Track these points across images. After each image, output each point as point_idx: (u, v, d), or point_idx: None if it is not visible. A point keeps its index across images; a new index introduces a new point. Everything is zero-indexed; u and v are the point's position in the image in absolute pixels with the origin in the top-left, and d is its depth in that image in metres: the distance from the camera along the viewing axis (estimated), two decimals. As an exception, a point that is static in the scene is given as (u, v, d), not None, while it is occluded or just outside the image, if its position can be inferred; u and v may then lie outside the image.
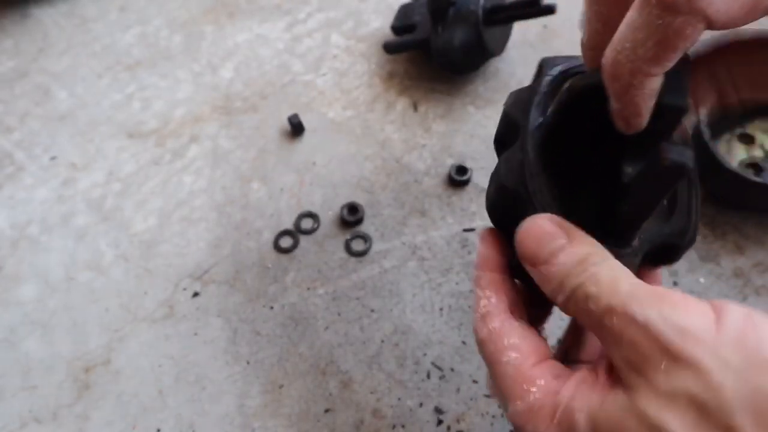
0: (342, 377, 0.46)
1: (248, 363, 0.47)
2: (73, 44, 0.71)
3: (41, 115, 0.65)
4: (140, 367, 0.48)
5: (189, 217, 0.56)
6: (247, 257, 0.53)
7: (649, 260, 0.29)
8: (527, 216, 0.26)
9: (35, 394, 0.47)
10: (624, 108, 0.23)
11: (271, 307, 0.50)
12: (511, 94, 0.29)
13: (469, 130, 0.59)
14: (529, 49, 0.66)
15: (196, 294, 0.51)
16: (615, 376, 0.23)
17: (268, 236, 0.54)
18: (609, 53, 0.23)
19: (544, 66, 0.29)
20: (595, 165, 0.28)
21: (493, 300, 0.28)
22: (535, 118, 0.27)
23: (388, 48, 0.63)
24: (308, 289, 0.51)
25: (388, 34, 0.67)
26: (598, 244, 0.25)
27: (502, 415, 0.43)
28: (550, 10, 0.57)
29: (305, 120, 0.61)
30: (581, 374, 0.25)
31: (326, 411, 0.45)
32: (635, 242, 0.27)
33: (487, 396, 0.44)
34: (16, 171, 0.61)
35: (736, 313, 0.21)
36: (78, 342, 0.49)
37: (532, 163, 0.27)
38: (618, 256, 0.25)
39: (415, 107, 0.62)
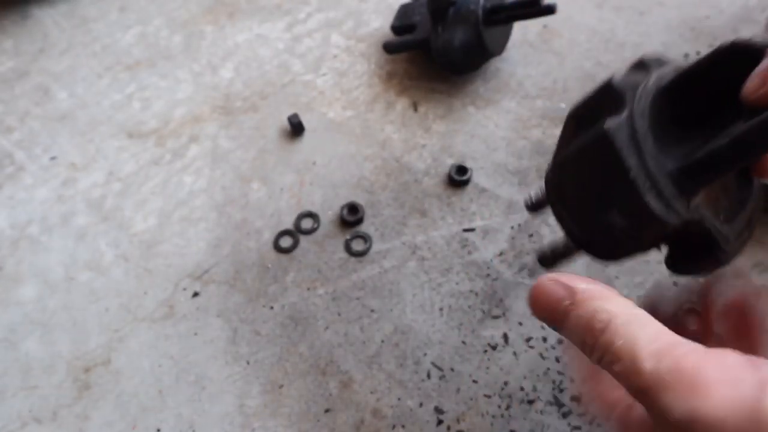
0: (342, 377, 0.46)
1: (248, 363, 0.47)
2: (73, 44, 0.71)
3: (41, 115, 0.65)
4: (140, 367, 0.48)
5: (189, 217, 0.56)
6: (247, 257, 0.53)
7: (684, 245, 0.28)
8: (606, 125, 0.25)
9: (35, 394, 0.47)
10: None
11: (271, 307, 0.50)
12: (619, 70, 0.28)
13: (469, 130, 0.59)
14: (529, 49, 0.66)
15: (196, 294, 0.51)
16: None
17: (268, 236, 0.54)
18: None
19: (644, 59, 0.28)
20: (702, 132, 0.26)
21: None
22: (654, 81, 0.26)
23: (388, 48, 0.63)
24: (308, 289, 0.51)
25: (388, 34, 0.67)
26: (602, 290, 0.24)
27: (502, 416, 0.43)
28: (550, 10, 0.57)
29: (305, 120, 0.61)
30: None
31: (326, 411, 0.45)
32: (694, 202, 0.26)
33: (487, 396, 0.44)
34: (16, 171, 0.61)
35: None
36: (78, 342, 0.49)
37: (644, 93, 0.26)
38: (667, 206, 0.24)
39: (415, 107, 0.62)
